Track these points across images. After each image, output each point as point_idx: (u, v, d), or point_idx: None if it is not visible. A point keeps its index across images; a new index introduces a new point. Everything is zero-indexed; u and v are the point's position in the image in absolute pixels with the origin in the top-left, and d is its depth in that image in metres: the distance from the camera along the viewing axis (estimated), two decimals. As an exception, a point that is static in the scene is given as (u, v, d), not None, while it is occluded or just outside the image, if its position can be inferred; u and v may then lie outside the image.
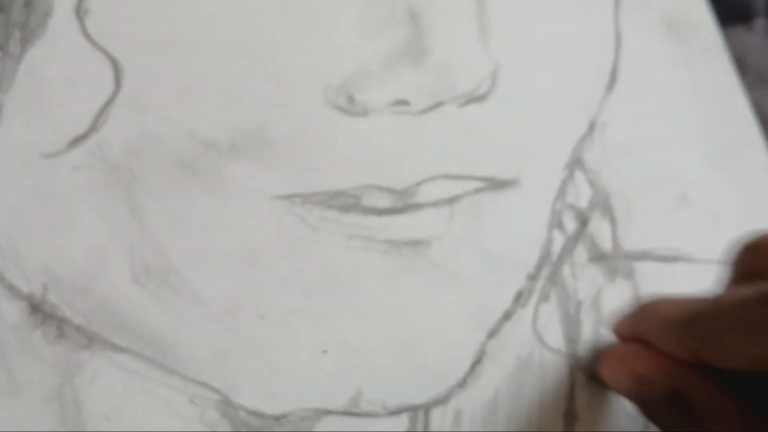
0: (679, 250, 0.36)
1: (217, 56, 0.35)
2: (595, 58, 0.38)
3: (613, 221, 0.36)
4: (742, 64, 0.45)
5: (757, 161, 0.39)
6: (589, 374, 0.34)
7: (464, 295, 0.34)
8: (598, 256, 0.36)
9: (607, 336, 0.34)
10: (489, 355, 0.34)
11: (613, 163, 0.37)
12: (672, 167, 0.37)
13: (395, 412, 0.33)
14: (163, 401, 0.32)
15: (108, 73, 0.34)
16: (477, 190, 0.35)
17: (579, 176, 0.36)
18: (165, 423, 0.32)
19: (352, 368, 0.33)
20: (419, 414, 0.33)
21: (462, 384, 0.33)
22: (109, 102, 0.34)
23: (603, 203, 0.36)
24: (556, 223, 0.36)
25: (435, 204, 0.34)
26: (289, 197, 0.34)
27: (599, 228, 0.36)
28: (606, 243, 0.36)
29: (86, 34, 0.35)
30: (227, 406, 0.32)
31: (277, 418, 0.32)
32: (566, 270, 0.35)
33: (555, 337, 0.34)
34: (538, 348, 0.34)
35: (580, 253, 0.36)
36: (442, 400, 0.33)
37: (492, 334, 0.34)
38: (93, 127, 0.34)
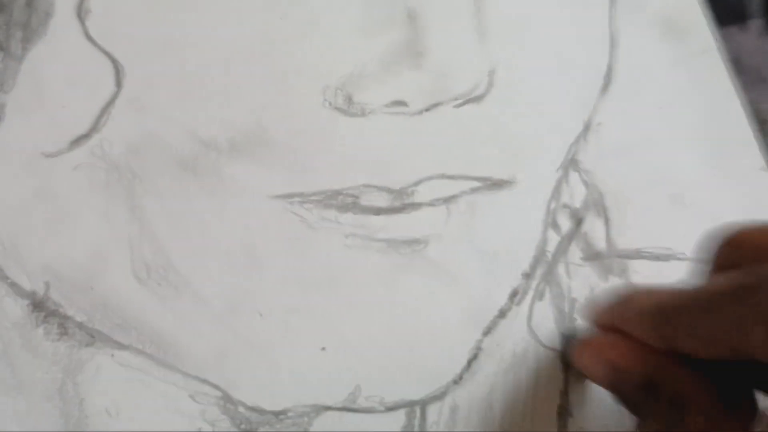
0: (672, 249, 0.36)
1: (217, 57, 0.35)
2: (591, 58, 0.39)
3: (607, 221, 0.36)
4: (737, 65, 0.45)
5: (751, 161, 0.39)
6: (562, 359, 0.34)
7: (460, 293, 0.34)
8: (592, 255, 0.36)
9: (584, 324, 0.34)
10: (485, 352, 0.34)
11: (608, 163, 0.37)
12: (666, 167, 0.37)
13: (392, 408, 0.33)
14: (164, 398, 0.32)
15: (109, 73, 0.35)
16: (473, 190, 0.35)
17: (574, 176, 0.37)
18: (166, 419, 0.32)
19: (350, 365, 0.33)
20: (416, 410, 0.33)
21: (458, 380, 0.33)
22: (110, 102, 0.34)
23: (597, 203, 0.36)
24: (551, 222, 0.36)
25: (432, 203, 0.34)
26: (288, 197, 0.34)
27: (593, 227, 0.36)
28: (600, 242, 0.36)
29: (87, 35, 0.35)
30: (227, 402, 0.32)
31: (277, 414, 0.32)
32: (561, 269, 0.35)
33: (549, 335, 0.34)
34: (532, 345, 0.34)
35: (575, 252, 0.36)
36: (438, 396, 0.33)
37: (488, 332, 0.34)
38: (94, 127, 0.34)
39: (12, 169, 0.34)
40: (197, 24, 0.36)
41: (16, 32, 0.35)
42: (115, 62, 0.35)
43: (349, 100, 0.35)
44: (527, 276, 0.35)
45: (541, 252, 0.35)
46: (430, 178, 0.35)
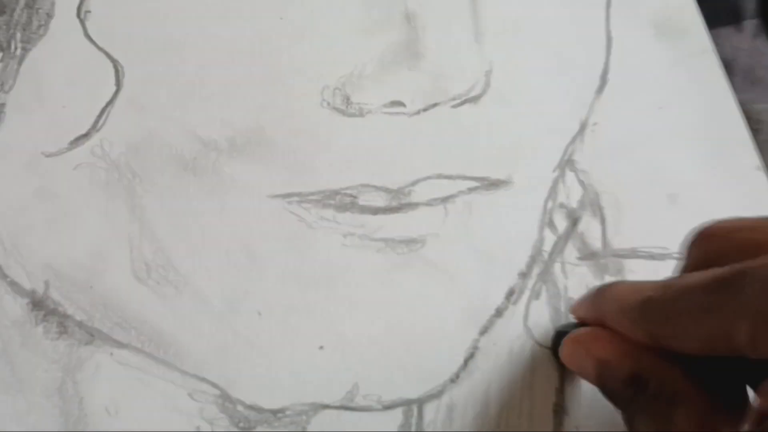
0: (668, 248, 0.36)
1: (217, 57, 0.35)
2: (587, 59, 0.39)
3: (603, 220, 0.36)
4: (731, 65, 0.45)
5: (745, 161, 0.39)
6: (552, 354, 0.34)
7: (458, 292, 0.34)
8: (588, 255, 0.36)
9: (569, 319, 0.34)
10: (481, 351, 0.34)
11: (604, 163, 0.37)
12: (662, 167, 0.38)
13: (390, 407, 0.33)
14: (163, 396, 0.32)
15: (109, 73, 0.35)
16: (471, 190, 0.35)
17: (570, 176, 0.37)
18: (164, 417, 0.32)
19: (348, 364, 0.33)
20: (413, 408, 0.33)
21: (455, 379, 0.34)
22: (110, 102, 0.35)
23: (593, 203, 0.36)
24: (548, 222, 0.36)
25: (429, 203, 0.34)
26: (287, 196, 0.34)
27: (589, 227, 0.36)
28: (596, 241, 0.36)
29: (87, 35, 0.35)
30: (226, 400, 0.32)
31: (275, 413, 0.32)
32: (557, 268, 0.35)
33: (546, 334, 0.35)
34: (529, 344, 0.34)
35: (571, 251, 0.36)
36: (435, 395, 0.33)
37: (484, 331, 0.34)
38: (94, 127, 0.34)
39: (12, 168, 0.34)
40: (197, 24, 0.36)
41: (16, 32, 0.35)
42: (114, 62, 0.35)
43: (348, 100, 0.35)
44: (524, 275, 0.35)
45: (537, 251, 0.35)
46: (427, 177, 0.35)
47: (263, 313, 0.33)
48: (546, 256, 0.36)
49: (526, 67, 0.38)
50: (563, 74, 0.38)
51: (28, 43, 0.35)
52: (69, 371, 0.32)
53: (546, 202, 0.36)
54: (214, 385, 0.32)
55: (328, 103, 0.35)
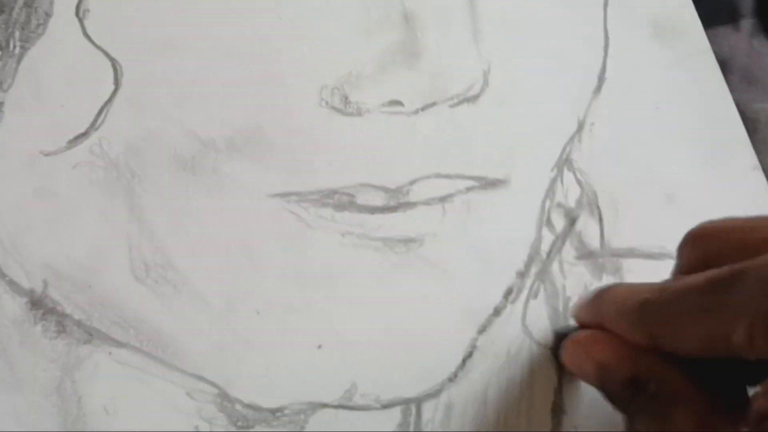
0: (665, 248, 0.36)
1: (215, 57, 0.35)
2: (585, 59, 0.39)
3: (600, 220, 0.36)
4: (728, 64, 0.45)
5: (742, 161, 0.39)
6: (553, 356, 0.34)
7: (456, 292, 0.34)
8: (586, 254, 0.36)
9: (568, 319, 0.34)
10: (479, 350, 0.34)
11: (601, 162, 0.37)
12: (660, 167, 0.38)
13: (388, 406, 0.33)
14: (162, 395, 0.32)
15: (107, 72, 0.35)
16: (469, 189, 0.35)
17: (568, 176, 0.37)
18: (163, 416, 0.32)
19: (346, 363, 0.33)
20: (411, 407, 0.33)
21: (453, 378, 0.34)
22: (109, 101, 0.35)
23: (591, 202, 0.37)
24: (545, 221, 0.36)
25: (428, 202, 0.35)
26: (285, 195, 0.34)
27: (587, 226, 0.36)
28: (594, 241, 0.36)
29: (86, 34, 0.35)
30: (224, 399, 0.32)
31: (273, 412, 0.32)
32: (555, 267, 0.36)
33: (544, 333, 0.35)
34: (527, 343, 0.34)
35: (569, 250, 0.36)
36: (433, 394, 0.33)
37: (482, 330, 0.34)
38: (93, 126, 0.34)
39: (11, 167, 0.34)
40: (195, 24, 0.36)
41: (15, 31, 0.35)
42: (113, 61, 0.35)
43: (346, 99, 0.35)
44: (522, 274, 0.35)
45: (535, 251, 0.36)
46: (425, 177, 0.35)
47: (262, 312, 0.33)
48: (544, 255, 0.36)
49: (524, 67, 0.38)
50: (561, 74, 0.38)
51: (26, 42, 0.35)
52: (67, 370, 0.32)
53: (544, 201, 0.36)
54: (213, 385, 0.32)
55: (327, 103, 0.35)
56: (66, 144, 0.34)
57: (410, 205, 0.34)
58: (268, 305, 0.33)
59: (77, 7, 0.35)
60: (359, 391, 0.33)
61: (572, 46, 0.38)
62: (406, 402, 0.33)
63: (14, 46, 0.35)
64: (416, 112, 0.36)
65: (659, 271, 0.35)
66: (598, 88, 0.38)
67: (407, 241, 0.34)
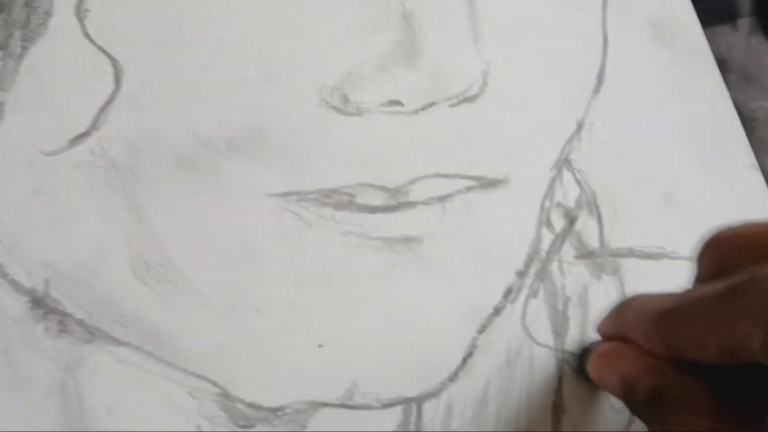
0: (664, 247, 0.36)
1: (216, 56, 0.35)
2: (584, 59, 0.39)
3: (599, 219, 0.37)
4: (726, 63, 0.45)
5: (740, 160, 0.39)
6: (578, 372, 0.34)
7: (455, 291, 0.34)
8: (585, 254, 0.36)
9: (594, 335, 0.34)
10: (479, 349, 0.34)
11: (601, 162, 0.37)
12: (658, 167, 0.38)
13: (389, 405, 0.33)
14: (163, 394, 0.32)
15: (108, 72, 0.35)
16: (468, 189, 0.35)
17: (567, 176, 0.37)
18: (164, 415, 0.32)
19: (347, 362, 0.33)
20: (412, 406, 0.33)
21: (453, 378, 0.34)
22: (109, 101, 0.35)
23: (590, 202, 0.37)
24: (545, 221, 0.36)
25: (427, 202, 0.35)
26: (285, 195, 0.34)
27: (586, 226, 0.37)
28: (593, 241, 0.36)
29: (86, 34, 0.35)
30: (225, 398, 0.32)
31: (275, 411, 0.32)
32: (554, 267, 0.36)
33: (543, 332, 0.35)
34: (527, 343, 0.35)
35: (568, 250, 0.36)
36: (434, 393, 0.33)
37: (482, 329, 0.34)
38: (93, 126, 0.34)
39: (12, 167, 0.34)
40: (195, 24, 0.36)
41: (15, 31, 0.35)
42: (114, 61, 0.35)
43: (346, 99, 0.35)
44: (521, 274, 0.35)
45: (535, 250, 0.36)
46: (425, 176, 0.35)
47: (262, 311, 0.33)
48: (543, 255, 0.36)
49: (524, 67, 0.38)
50: (560, 74, 0.38)
51: (27, 42, 0.35)
52: (69, 369, 0.32)
53: (543, 201, 0.36)
54: (214, 384, 0.33)
55: (327, 102, 0.35)
56: (66, 144, 0.34)
57: (410, 204, 0.34)
58: (269, 304, 0.33)
59: (77, 7, 0.35)
60: (360, 391, 0.33)
61: (571, 46, 0.39)
62: (406, 401, 0.33)
63: (15, 46, 0.35)
64: (416, 111, 0.36)
65: (658, 272, 0.36)
66: (597, 88, 0.38)
67: (407, 241, 0.34)
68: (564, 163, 0.37)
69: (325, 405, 0.33)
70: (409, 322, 0.34)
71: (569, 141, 0.37)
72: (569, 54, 0.38)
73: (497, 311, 0.35)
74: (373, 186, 0.34)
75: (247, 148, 0.35)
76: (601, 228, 0.36)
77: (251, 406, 0.32)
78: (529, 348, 0.34)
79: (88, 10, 0.35)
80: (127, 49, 0.35)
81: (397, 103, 0.35)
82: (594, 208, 0.37)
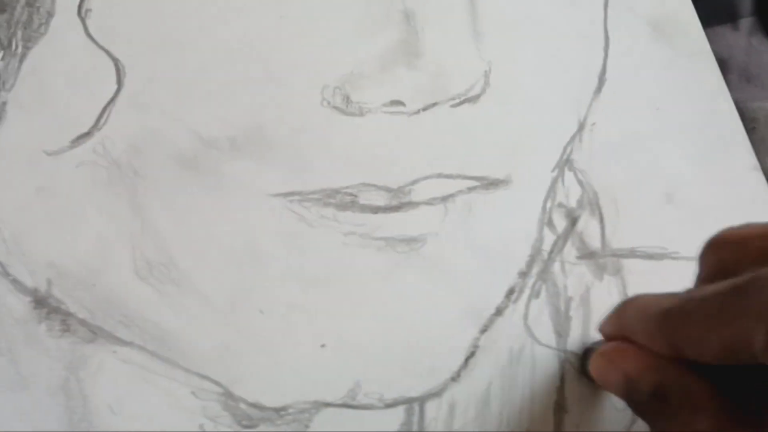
0: (665, 248, 0.36)
1: (217, 57, 0.35)
2: (585, 60, 0.39)
3: (601, 220, 0.37)
4: (727, 63, 0.46)
5: (741, 160, 0.39)
6: (580, 372, 0.34)
7: (458, 291, 0.35)
8: (587, 254, 0.36)
9: (596, 335, 0.34)
10: (482, 349, 0.34)
11: (602, 162, 0.37)
12: (660, 167, 0.38)
13: (392, 405, 0.33)
14: (166, 393, 0.32)
15: (110, 72, 0.35)
16: (470, 189, 0.35)
17: (569, 176, 0.37)
18: (168, 415, 0.32)
19: (349, 362, 0.33)
20: (415, 406, 0.33)
21: (456, 377, 0.34)
22: (111, 100, 0.35)
23: (592, 202, 0.37)
24: (547, 221, 0.36)
25: (429, 202, 0.35)
26: (288, 195, 0.34)
27: (588, 226, 0.37)
28: (595, 241, 0.36)
29: (88, 34, 0.35)
30: (228, 398, 0.32)
31: (278, 411, 0.32)
32: (556, 267, 0.36)
33: (545, 332, 0.35)
34: (529, 342, 0.35)
35: (570, 250, 0.36)
36: (436, 393, 0.34)
37: (485, 329, 0.34)
38: (95, 125, 0.34)
39: (14, 167, 0.34)
40: (197, 23, 0.36)
41: (17, 31, 0.35)
42: (116, 61, 0.35)
43: (347, 99, 0.35)
44: (523, 274, 0.35)
45: (537, 250, 0.36)
46: (427, 177, 0.35)
47: (265, 311, 0.33)
48: (545, 255, 0.36)
49: (525, 67, 0.38)
50: (562, 74, 0.38)
51: (29, 42, 0.35)
52: (73, 369, 0.32)
53: (545, 201, 0.36)
54: (217, 383, 0.33)
55: (328, 102, 0.35)
56: (69, 143, 0.34)
57: (412, 204, 0.35)
58: (271, 304, 0.33)
59: (79, 7, 0.35)
60: (363, 391, 0.33)
61: (573, 46, 0.39)
62: (409, 401, 0.33)
63: (17, 46, 0.35)
64: (418, 112, 0.36)
65: (660, 272, 0.36)
66: (599, 88, 0.38)
67: (409, 241, 0.34)
68: (566, 163, 0.37)
69: (328, 405, 0.33)
70: (412, 322, 0.34)
71: (571, 141, 0.37)
72: (571, 54, 0.39)
73: (499, 311, 0.35)
74: (375, 186, 0.35)
75: (248, 147, 0.35)
76: (602, 228, 0.37)
77: (254, 405, 0.33)
78: (531, 348, 0.35)
79: (89, 10, 0.35)
80: (128, 49, 0.35)
81: (399, 103, 0.35)
82: (596, 209, 0.37)
